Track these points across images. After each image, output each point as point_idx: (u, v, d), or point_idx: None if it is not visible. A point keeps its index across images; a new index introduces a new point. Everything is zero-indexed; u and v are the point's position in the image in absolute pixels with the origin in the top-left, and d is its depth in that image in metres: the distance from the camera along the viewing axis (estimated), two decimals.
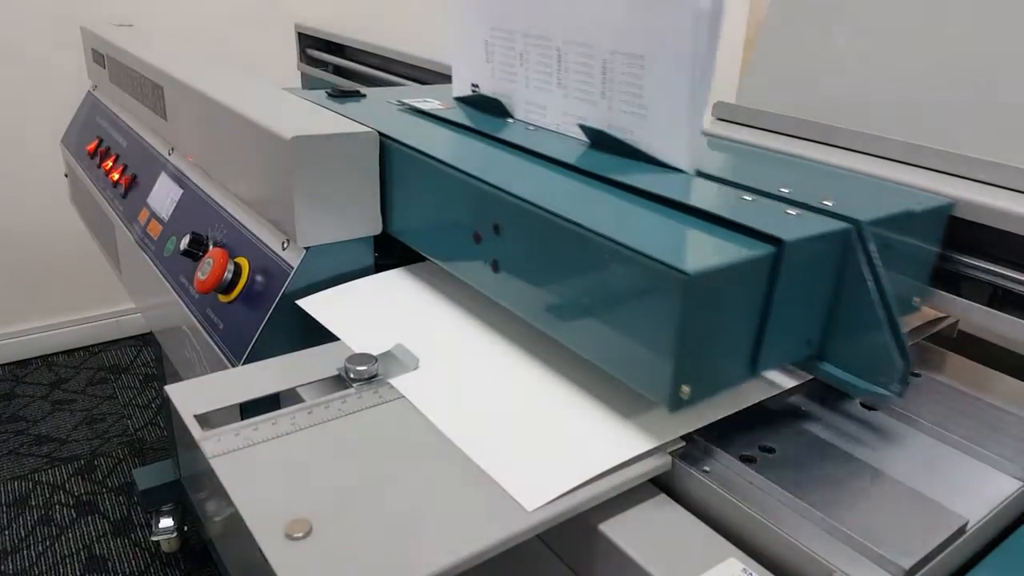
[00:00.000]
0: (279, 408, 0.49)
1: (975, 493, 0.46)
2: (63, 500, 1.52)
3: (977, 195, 0.57)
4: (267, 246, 0.66)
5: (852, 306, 0.48)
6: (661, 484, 0.48)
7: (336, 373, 0.53)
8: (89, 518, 1.48)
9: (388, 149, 0.64)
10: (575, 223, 0.46)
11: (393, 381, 0.52)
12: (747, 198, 0.52)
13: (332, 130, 0.62)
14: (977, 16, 0.77)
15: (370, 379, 0.52)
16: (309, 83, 1.42)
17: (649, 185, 0.53)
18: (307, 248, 0.62)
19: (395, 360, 0.54)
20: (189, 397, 0.49)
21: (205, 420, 0.47)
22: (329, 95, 0.76)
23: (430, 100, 0.77)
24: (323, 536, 0.38)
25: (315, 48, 1.39)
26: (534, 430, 0.47)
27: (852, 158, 0.68)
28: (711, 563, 0.41)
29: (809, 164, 0.67)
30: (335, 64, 1.36)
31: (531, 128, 0.69)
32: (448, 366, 0.54)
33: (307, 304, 0.61)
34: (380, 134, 0.64)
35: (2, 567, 1.34)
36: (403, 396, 0.51)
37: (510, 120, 0.72)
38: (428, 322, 0.60)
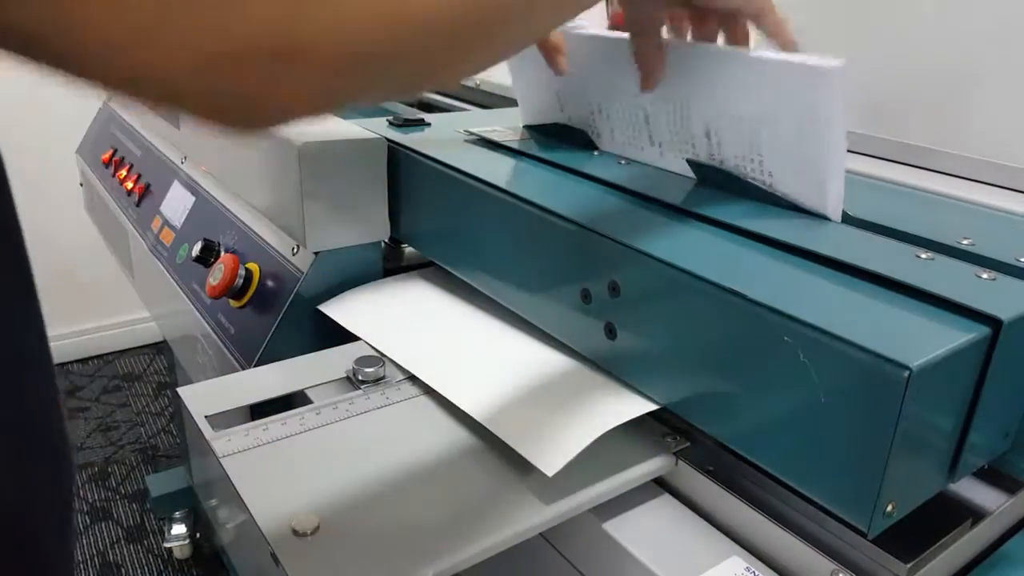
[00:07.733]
0: (289, 410, 0.50)
1: None
2: (77, 506, 1.53)
3: None
4: (277, 251, 0.67)
5: None
6: (666, 485, 0.48)
7: (344, 375, 0.54)
8: (102, 524, 1.49)
9: (451, 181, 0.59)
10: (745, 297, 0.38)
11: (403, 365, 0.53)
12: (923, 256, 0.43)
13: (340, 136, 0.63)
14: None
15: (377, 381, 0.53)
16: None
17: (804, 241, 0.45)
18: (316, 253, 0.63)
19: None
20: (201, 399, 0.50)
21: (216, 421, 0.48)
22: (391, 124, 0.72)
23: (499, 129, 0.70)
24: (332, 532, 0.39)
25: None
26: (547, 406, 0.48)
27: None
28: (714, 562, 0.42)
29: (960, 204, 0.58)
30: None
31: (623, 162, 0.61)
32: (458, 357, 0.55)
33: (328, 309, 0.62)
34: (454, 168, 0.59)
35: None
36: (409, 399, 0.52)
37: (596, 153, 0.63)
38: (438, 320, 0.61)
